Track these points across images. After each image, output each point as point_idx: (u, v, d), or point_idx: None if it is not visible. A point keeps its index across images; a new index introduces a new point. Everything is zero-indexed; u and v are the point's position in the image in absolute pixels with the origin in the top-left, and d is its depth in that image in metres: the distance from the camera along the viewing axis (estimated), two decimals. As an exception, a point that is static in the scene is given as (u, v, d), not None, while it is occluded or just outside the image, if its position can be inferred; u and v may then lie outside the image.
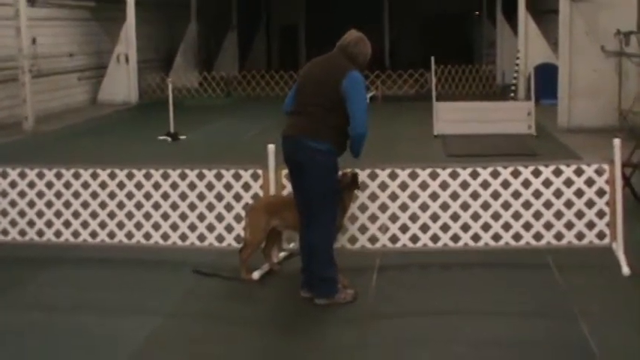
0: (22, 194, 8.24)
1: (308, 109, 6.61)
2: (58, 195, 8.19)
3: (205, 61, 28.86)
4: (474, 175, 7.66)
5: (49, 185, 8.21)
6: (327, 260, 6.67)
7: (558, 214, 7.59)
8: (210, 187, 7.95)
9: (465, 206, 7.66)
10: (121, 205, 8.08)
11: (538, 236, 7.61)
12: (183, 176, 8.01)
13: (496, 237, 7.65)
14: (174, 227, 8.00)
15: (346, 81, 6.52)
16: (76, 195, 8.17)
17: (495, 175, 7.64)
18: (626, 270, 7.20)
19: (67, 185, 8.18)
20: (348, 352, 5.85)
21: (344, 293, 6.70)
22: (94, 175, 8.15)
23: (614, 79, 15.78)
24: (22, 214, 8.24)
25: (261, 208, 7.36)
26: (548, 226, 7.59)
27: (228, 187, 7.91)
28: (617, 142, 7.53)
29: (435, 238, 7.70)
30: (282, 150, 6.78)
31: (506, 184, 7.63)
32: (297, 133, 6.59)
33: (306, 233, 6.74)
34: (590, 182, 7.56)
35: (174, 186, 8.01)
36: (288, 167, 6.86)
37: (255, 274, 7.35)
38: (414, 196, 7.69)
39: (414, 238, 7.71)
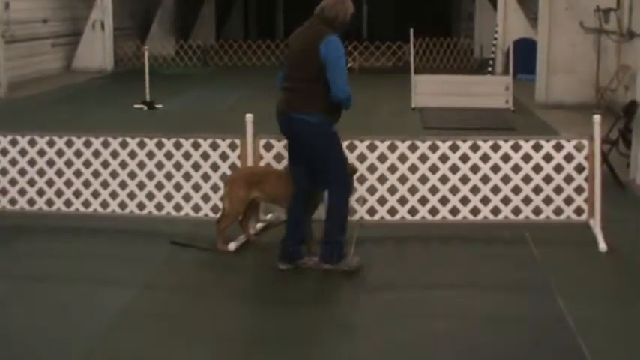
0: (-7, 162, 8.12)
1: (295, 83, 6.59)
2: (32, 163, 8.07)
3: (182, 30, 28.57)
4: (454, 148, 7.64)
5: (23, 153, 8.08)
6: (341, 226, 6.69)
7: (537, 189, 7.60)
8: (187, 156, 7.86)
9: (443, 180, 7.64)
10: (96, 174, 7.98)
11: (516, 211, 7.62)
12: (159, 145, 7.91)
13: (475, 211, 7.64)
14: (150, 197, 7.92)
15: (324, 47, 6.46)
16: (50, 163, 8.05)
17: (475, 148, 7.62)
18: (602, 246, 7.22)
19: (41, 153, 8.05)
20: (324, 322, 5.82)
21: (350, 259, 6.70)
22: (69, 143, 8.03)
23: (592, 55, 15.79)
24: (-6, 182, 8.12)
25: (241, 179, 7.29)
26: (526, 201, 7.60)
27: (205, 156, 7.83)
28: (596, 118, 7.52)
29: (413, 211, 7.68)
30: (278, 126, 6.78)
31: (485, 158, 7.61)
32: (287, 109, 6.60)
33: (328, 200, 6.71)
34: (569, 158, 7.56)
35: (150, 155, 7.91)
36: (287, 141, 6.90)
37: (232, 245, 7.29)
38: (392, 169, 7.66)
39: (392, 211, 7.69)
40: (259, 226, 7.79)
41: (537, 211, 7.61)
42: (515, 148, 7.60)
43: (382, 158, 7.64)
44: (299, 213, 6.83)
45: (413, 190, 7.66)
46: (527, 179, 7.59)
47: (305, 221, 6.89)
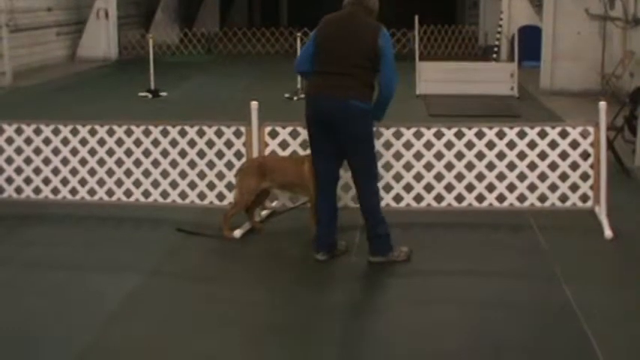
0: (-1, 150, 8.13)
1: (348, 70, 6.47)
2: (37, 151, 8.07)
3: (186, 18, 28.51)
4: (459, 135, 7.62)
5: (28, 141, 8.08)
6: (380, 218, 6.66)
7: (542, 176, 7.58)
8: (192, 144, 7.86)
9: (449, 166, 7.64)
10: (101, 162, 7.98)
11: (522, 198, 7.61)
12: (164, 133, 7.91)
13: (480, 198, 7.64)
14: (155, 185, 7.93)
15: (381, 40, 6.49)
16: (56, 151, 8.05)
17: (480, 135, 7.61)
18: (608, 233, 7.21)
19: (47, 141, 8.06)
20: (330, 308, 5.83)
21: (398, 251, 6.70)
22: (74, 132, 8.03)
23: (598, 42, 15.72)
24: (-1, 170, 8.13)
25: (253, 169, 7.30)
26: (532, 187, 7.59)
27: (210, 144, 7.82)
28: (602, 105, 7.50)
29: (418, 198, 7.68)
30: (314, 109, 6.60)
31: (491, 145, 7.60)
32: (343, 95, 6.45)
33: (360, 195, 6.71)
34: (574, 145, 7.55)
35: (155, 143, 7.91)
36: (319, 126, 6.64)
37: (237, 233, 7.30)
38: (397, 156, 7.66)
39: (398, 198, 7.70)
40: (264, 213, 7.79)
41: (543, 198, 7.60)
42: (521, 134, 7.59)
43: (387, 145, 7.63)
44: (333, 201, 6.81)
45: (418, 177, 7.66)
46: (532, 166, 7.58)
47: (337, 208, 6.88)
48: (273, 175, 7.22)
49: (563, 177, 7.57)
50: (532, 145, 7.57)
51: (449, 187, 7.64)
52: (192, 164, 7.85)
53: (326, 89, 6.54)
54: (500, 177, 7.61)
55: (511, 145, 7.59)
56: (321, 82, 6.59)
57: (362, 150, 6.60)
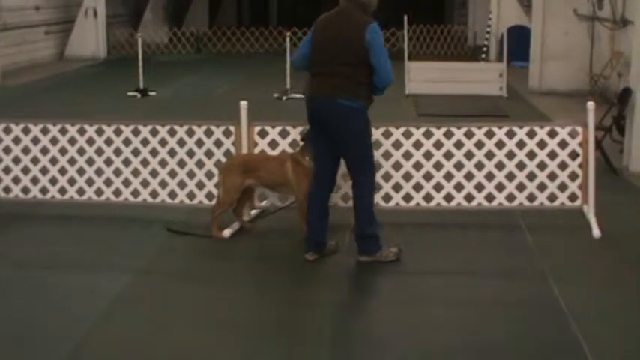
0: (-13, 149, 8.09)
1: (337, 69, 6.48)
2: (26, 151, 8.05)
3: (175, 17, 28.47)
4: (448, 135, 7.65)
5: (17, 141, 8.05)
6: (370, 217, 6.66)
7: (531, 176, 7.61)
8: (181, 143, 7.85)
9: (438, 166, 7.66)
10: (90, 162, 7.96)
11: (510, 197, 7.64)
12: (154, 132, 7.90)
13: (469, 197, 7.66)
14: (144, 184, 7.92)
15: (369, 35, 6.47)
16: (44, 151, 8.03)
17: (469, 135, 7.63)
18: (596, 232, 7.25)
19: (35, 141, 8.04)
20: (322, 307, 5.83)
21: (387, 251, 6.69)
22: (63, 131, 8.01)
23: (586, 43, 15.78)
24: (-12, 169, 8.10)
25: (236, 167, 7.30)
26: (520, 187, 7.62)
27: (199, 143, 7.82)
28: (590, 105, 7.53)
29: (407, 198, 7.70)
30: (310, 111, 6.65)
31: (480, 145, 7.62)
32: (331, 94, 6.47)
33: (354, 191, 6.70)
34: (563, 144, 7.57)
35: (144, 142, 7.90)
36: (316, 127, 6.69)
37: (226, 232, 7.30)
38: (387, 155, 7.67)
39: (387, 198, 7.71)
40: (254, 212, 7.79)
41: (531, 198, 7.62)
42: (510, 134, 7.61)
43: (376, 145, 7.63)
44: (326, 202, 6.80)
45: (407, 177, 7.68)
46: (521, 166, 7.61)
47: (328, 209, 6.87)
48: (256, 173, 7.22)
49: (552, 177, 7.60)
50: (521, 144, 7.60)
51: (438, 187, 7.66)
52: (181, 164, 7.85)
53: (318, 90, 6.58)
54: (489, 177, 7.64)
55: (500, 144, 7.61)
56: (315, 82, 6.63)
57: (355, 148, 6.61)
